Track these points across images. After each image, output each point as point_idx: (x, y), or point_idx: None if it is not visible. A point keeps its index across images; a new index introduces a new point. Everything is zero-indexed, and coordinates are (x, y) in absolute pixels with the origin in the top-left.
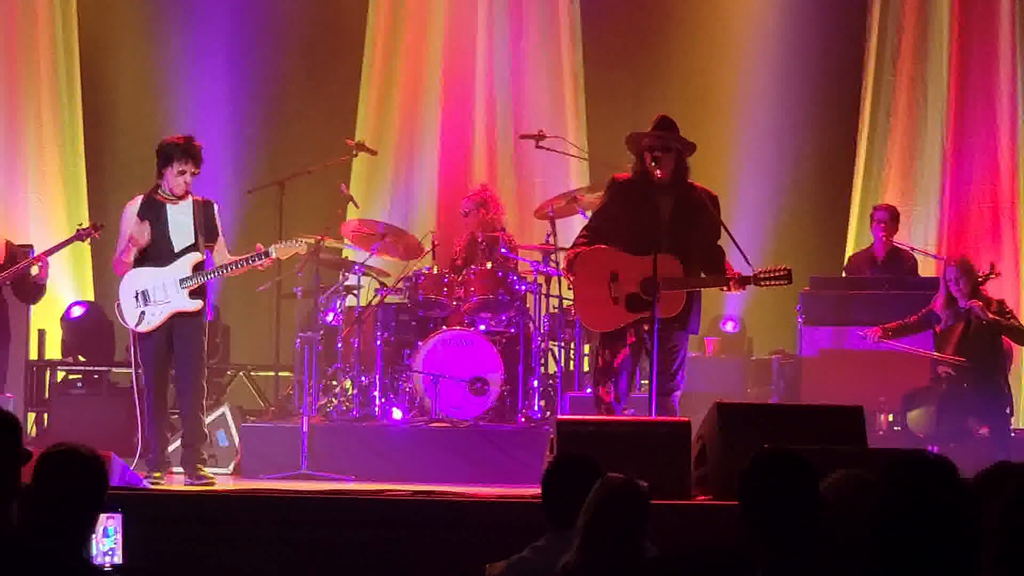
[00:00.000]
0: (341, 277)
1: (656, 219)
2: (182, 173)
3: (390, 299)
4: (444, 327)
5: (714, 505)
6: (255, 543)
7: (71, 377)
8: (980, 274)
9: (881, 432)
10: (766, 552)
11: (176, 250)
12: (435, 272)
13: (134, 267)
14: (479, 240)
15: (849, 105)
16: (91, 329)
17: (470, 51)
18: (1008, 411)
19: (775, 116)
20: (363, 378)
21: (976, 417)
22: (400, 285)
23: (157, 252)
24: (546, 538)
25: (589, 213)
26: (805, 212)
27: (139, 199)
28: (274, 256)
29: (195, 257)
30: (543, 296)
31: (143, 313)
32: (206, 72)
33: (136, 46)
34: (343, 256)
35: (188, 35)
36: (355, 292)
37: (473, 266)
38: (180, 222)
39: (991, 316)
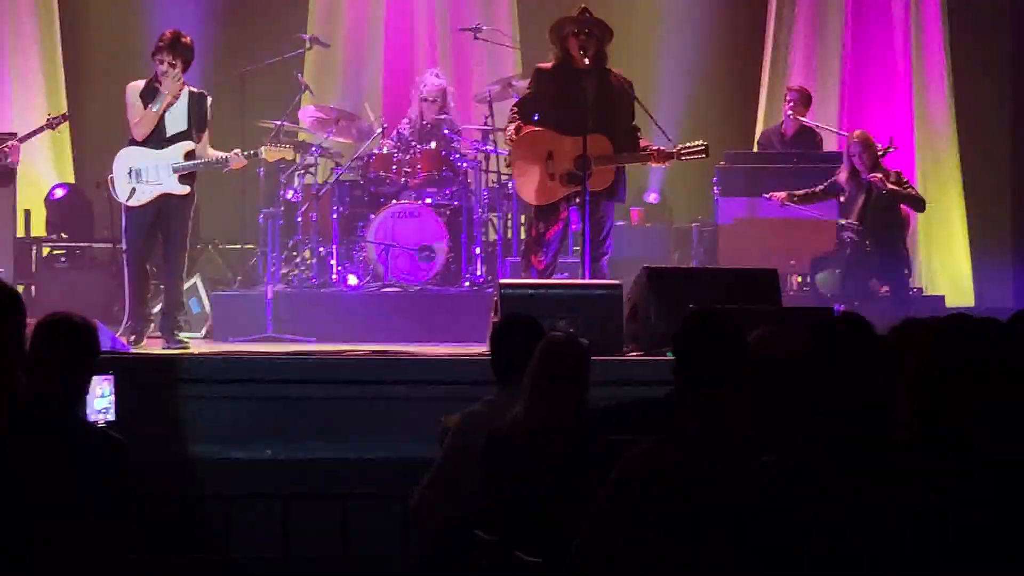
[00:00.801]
0: (299, 158)
1: (582, 101)
2: (161, 63)
3: (344, 177)
4: (394, 201)
5: (645, 360)
6: (228, 400)
7: (55, 252)
8: (880, 148)
9: (792, 292)
10: (696, 405)
11: (168, 135)
12: (384, 152)
13: (129, 146)
14: (425, 122)
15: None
16: (72, 209)
17: None
18: (906, 272)
19: (691, 6)
20: (321, 249)
21: (877, 278)
22: (353, 164)
23: (152, 135)
24: (496, 392)
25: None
26: (718, 92)
27: (142, 82)
28: (263, 156)
29: (187, 144)
30: (483, 172)
31: (134, 189)
32: None
33: None
34: (300, 139)
35: None
36: (312, 171)
37: (419, 146)
38: (175, 109)
39: (890, 186)
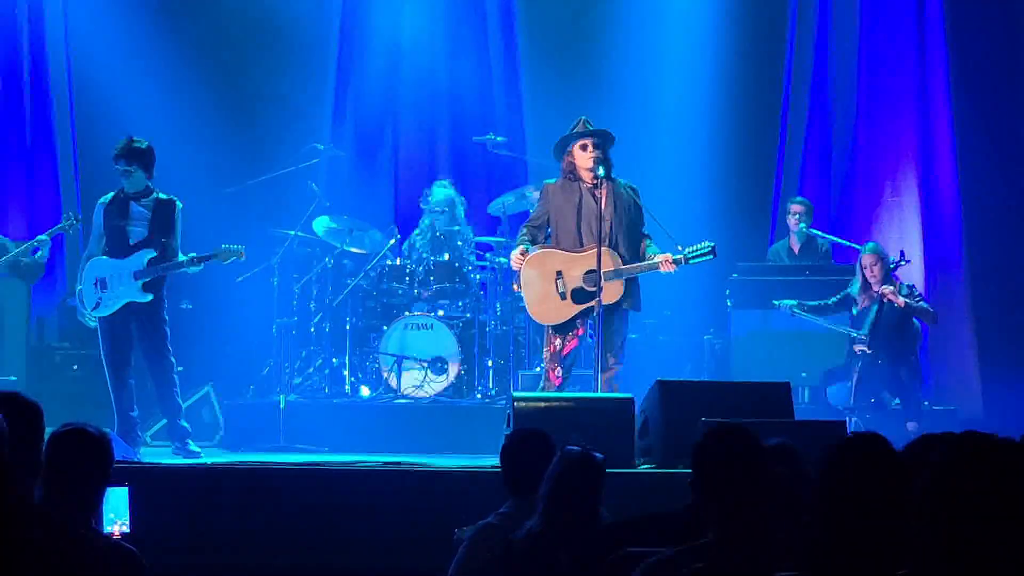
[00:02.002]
0: (315, 268)
1: (589, 215)
2: (120, 172)
3: (358, 287)
4: (407, 312)
5: (658, 472)
6: (240, 509)
7: (67, 359)
8: (892, 261)
9: (804, 404)
10: (717, 516)
11: (131, 243)
12: (397, 263)
13: (98, 256)
14: (437, 233)
15: (771, 113)
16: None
17: (427, 69)
18: (919, 384)
19: (705, 123)
20: (334, 359)
21: (889, 391)
22: (366, 275)
23: (117, 244)
24: (508, 505)
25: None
26: (731, 205)
27: (111, 195)
28: (219, 259)
29: (149, 252)
30: (496, 284)
31: (100, 300)
32: (187, 88)
33: (125, 70)
34: (314, 249)
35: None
36: (327, 281)
37: (432, 257)
38: (140, 218)
39: (901, 301)
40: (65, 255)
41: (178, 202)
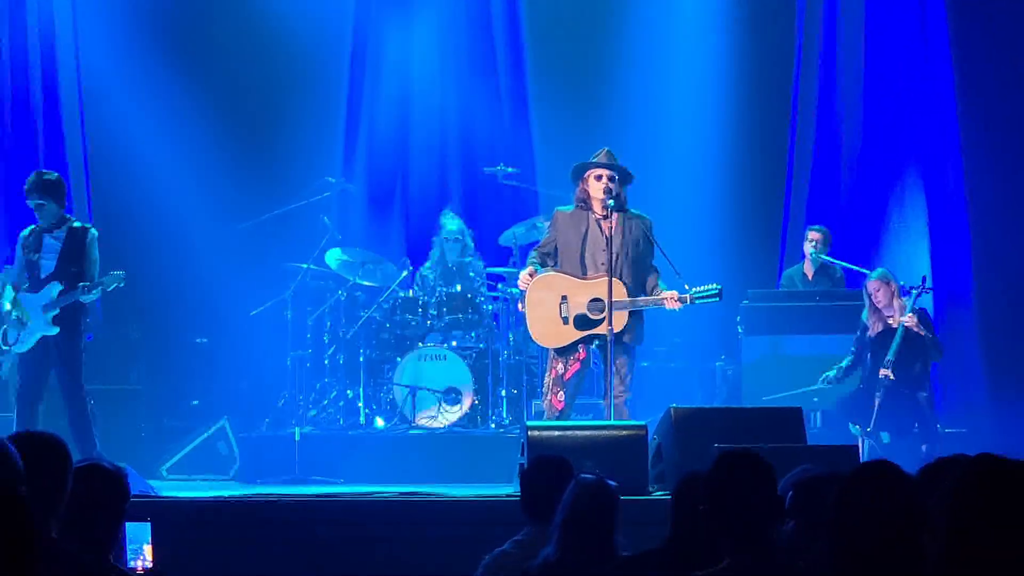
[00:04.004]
0: (328, 300)
1: (594, 246)
2: (33, 206)
3: (371, 319)
4: (420, 343)
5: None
6: (259, 542)
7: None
8: (911, 288)
9: (816, 429)
10: (731, 543)
11: (42, 276)
12: (410, 295)
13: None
14: (449, 264)
15: (779, 140)
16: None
17: (438, 102)
18: (932, 409)
19: (714, 151)
20: (348, 391)
21: (910, 416)
22: (380, 306)
23: (31, 279)
24: (524, 532)
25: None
26: (741, 232)
27: (30, 228)
28: (106, 285)
29: (56, 286)
30: (508, 315)
31: (19, 335)
32: (199, 123)
33: (137, 106)
34: (327, 282)
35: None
36: (340, 314)
37: (444, 288)
38: (50, 250)
39: (922, 331)
40: None
41: (92, 229)
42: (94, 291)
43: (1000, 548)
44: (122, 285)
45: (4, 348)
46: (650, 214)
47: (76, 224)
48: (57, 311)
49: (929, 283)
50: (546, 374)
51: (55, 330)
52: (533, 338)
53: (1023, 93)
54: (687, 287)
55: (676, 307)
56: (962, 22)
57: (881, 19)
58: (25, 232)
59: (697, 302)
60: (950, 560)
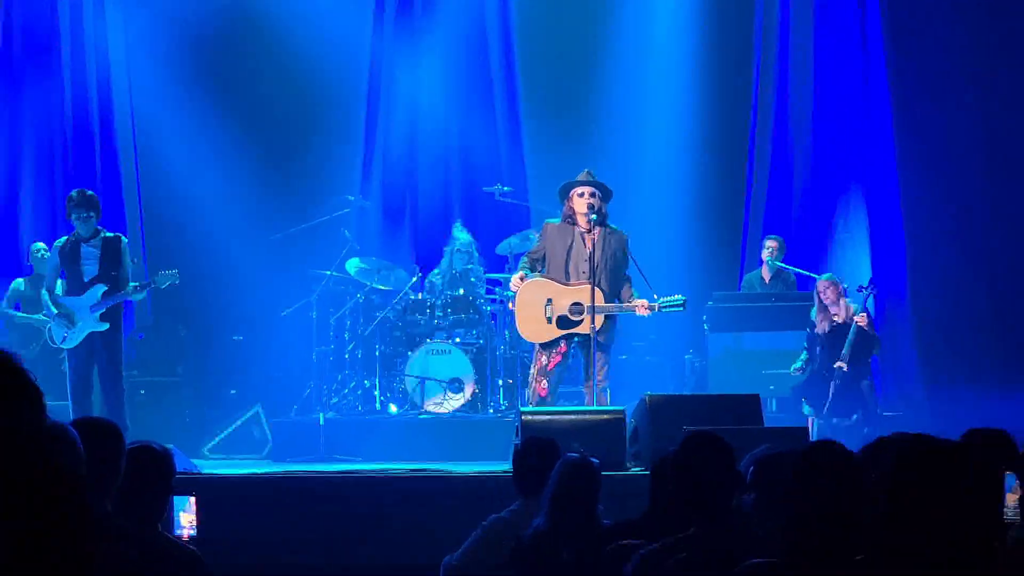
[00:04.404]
0: (348, 303)
1: (578, 256)
2: (79, 218)
3: (385, 319)
4: (428, 340)
5: (647, 475)
6: (289, 512)
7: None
8: (860, 288)
9: (772, 413)
10: (697, 513)
11: (85, 280)
12: (420, 297)
13: (62, 296)
14: (455, 271)
15: (740, 157)
16: (152, 346)
17: (442, 128)
18: (875, 396)
19: (684, 169)
20: (366, 381)
21: (856, 402)
22: (393, 308)
23: (74, 283)
24: (518, 503)
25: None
26: (706, 239)
27: (64, 238)
28: (157, 284)
29: (101, 287)
30: (505, 315)
31: (67, 334)
32: (237, 150)
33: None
34: (347, 287)
35: (227, 123)
36: (358, 314)
37: (449, 292)
38: (90, 257)
39: (861, 324)
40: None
41: (123, 238)
42: (143, 291)
43: (931, 513)
44: (177, 282)
45: (52, 345)
46: (626, 224)
47: (108, 234)
48: (103, 309)
49: (874, 287)
50: (532, 365)
51: (104, 326)
52: (520, 334)
53: (952, 112)
54: (656, 296)
55: (646, 314)
56: (897, 43)
57: (827, 45)
58: (59, 242)
59: (664, 310)
60: (889, 525)
